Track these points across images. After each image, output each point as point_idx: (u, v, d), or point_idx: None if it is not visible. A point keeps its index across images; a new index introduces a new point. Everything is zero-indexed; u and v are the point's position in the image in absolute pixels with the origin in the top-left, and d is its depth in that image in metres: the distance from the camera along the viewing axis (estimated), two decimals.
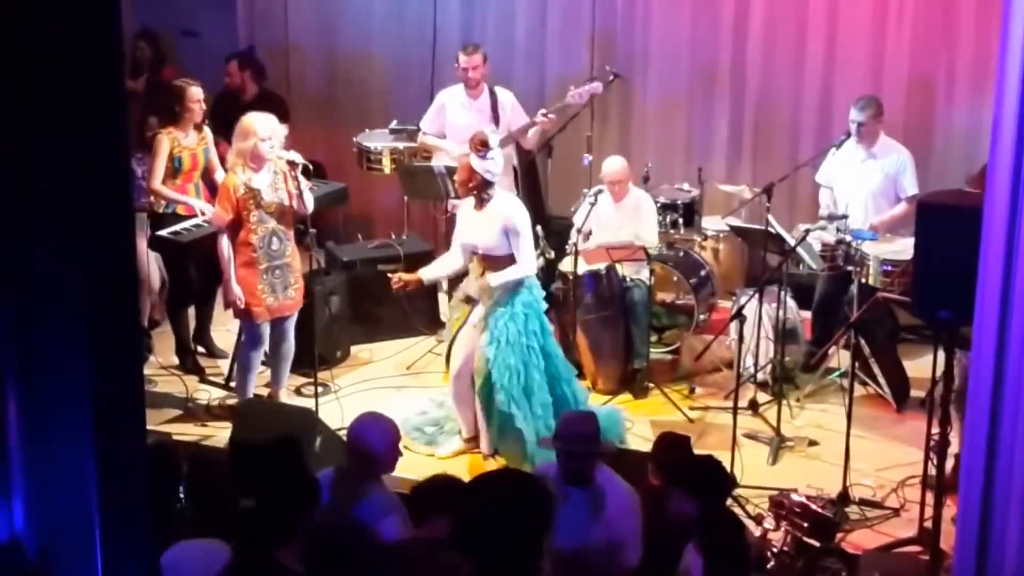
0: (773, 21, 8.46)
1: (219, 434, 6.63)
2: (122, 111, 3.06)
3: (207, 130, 7.28)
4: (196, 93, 7.17)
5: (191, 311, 7.61)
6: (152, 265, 7.63)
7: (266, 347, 6.82)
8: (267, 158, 6.47)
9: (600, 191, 7.30)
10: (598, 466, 4.79)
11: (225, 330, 7.66)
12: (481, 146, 6.13)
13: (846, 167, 7.27)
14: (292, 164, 6.49)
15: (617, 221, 7.37)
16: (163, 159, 7.09)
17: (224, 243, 6.49)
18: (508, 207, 6.23)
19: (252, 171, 6.47)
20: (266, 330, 6.67)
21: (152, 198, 7.22)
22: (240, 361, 6.85)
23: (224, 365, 7.47)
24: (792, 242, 6.73)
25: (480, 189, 6.16)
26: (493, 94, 7.83)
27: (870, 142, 7.19)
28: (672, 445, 5.08)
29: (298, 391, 7.11)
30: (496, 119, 7.78)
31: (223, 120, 7.32)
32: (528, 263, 6.25)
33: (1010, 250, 4.02)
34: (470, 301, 6.38)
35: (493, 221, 6.18)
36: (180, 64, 9.27)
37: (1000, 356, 4.09)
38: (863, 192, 7.20)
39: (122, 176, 3.12)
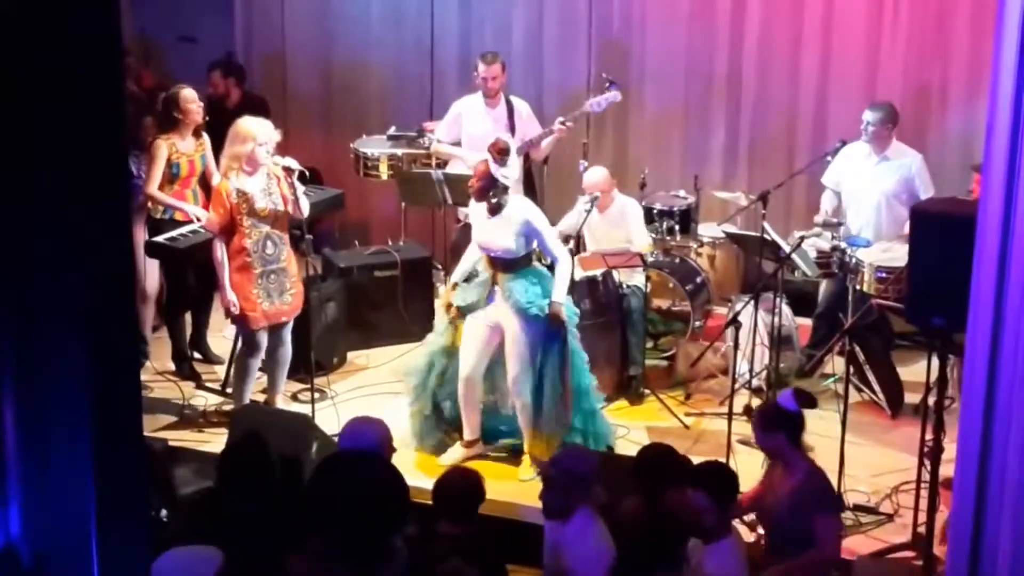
0: (769, 30, 8.49)
1: (215, 440, 6.63)
2: (122, 112, 3.08)
3: (205, 136, 7.29)
4: (190, 94, 7.19)
5: (188, 317, 7.62)
6: (149, 270, 7.64)
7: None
8: (263, 163, 6.49)
9: (596, 198, 7.31)
10: (582, 510, 4.63)
11: (221, 336, 7.67)
12: (501, 153, 6.22)
13: (859, 170, 7.32)
14: (288, 170, 6.50)
15: (604, 230, 7.39)
16: (160, 165, 7.10)
17: (219, 248, 6.50)
18: (522, 209, 6.31)
19: (246, 175, 6.48)
20: (263, 336, 6.67)
21: (149, 203, 7.24)
22: (237, 367, 6.86)
23: (220, 371, 7.48)
24: (788, 249, 6.75)
25: (494, 194, 6.21)
26: (509, 103, 7.86)
27: (883, 145, 7.24)
28: (659, 459, 5.04)
29: (294, 397, 7.12)
30: (512, 128, 7.80)
31: (209, 128, 7.35)
32: (564, 254, 6.37)
33: (1003, 257, 4.04)
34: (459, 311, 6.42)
35: (509, 226, 6.25)
36: (171, 70, 9.28)
37: (993, 362, 4.10)
38: (876, 194, 7.26)
39: (122, 177, 3.14)
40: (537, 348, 6.30)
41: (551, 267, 6.50)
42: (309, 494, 3.99)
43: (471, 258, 6.55)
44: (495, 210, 6.26)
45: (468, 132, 7.90)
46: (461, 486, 4.77)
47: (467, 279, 6.55)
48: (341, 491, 3.70)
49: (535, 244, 6.35)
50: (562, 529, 4.61)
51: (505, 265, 6.31)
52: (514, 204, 6.32)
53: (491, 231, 6.30)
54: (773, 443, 5.08)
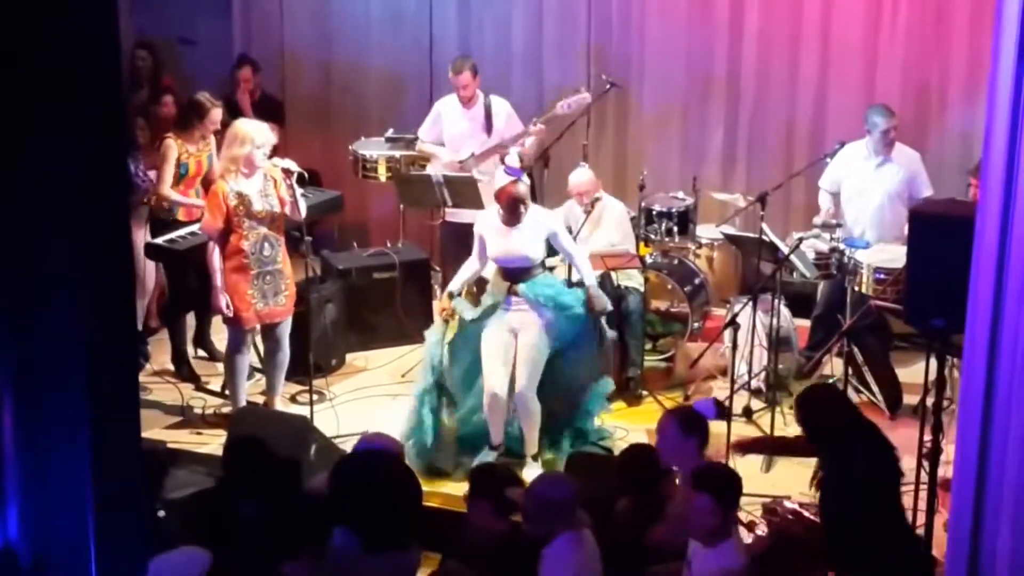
0: (767, 31, 8.49)
1: (214, 442, 6.63)
2: (122, 112, 3.09)
3: (211, 137, 7.33)
4: (218, 115, 7.25)
5: (191, 315, 7.62)
6: (149, 270, 7.65)
7: (254, 352, 6.82)
8: (259, 165, 6.49)
9: (598, 198, 7.31)
10: (564, 535, 4.46)
11: (221, 338, 7.66)
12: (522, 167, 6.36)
13: (860, 171, 7.33)
14: (288, 172, 6.51)
15: (588, 231, 7.38)
16: (172, 164, 7.17)
17: (214, 251, 6.50)
18: (545, 217, 6.38)
19: (244, 177, 6.48)
20: (253, 336, 6.67)
21: (153, 202, 7.27)
22: (227, 366, 6.86)
23: (220, 368, 7.46)
24: (786, 250, 6.76)
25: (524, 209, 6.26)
26: (488, 104, 7.87)
27: (891, 147, 7.25)
28: (642, 461, 5.05)
29: (293, 399, 7.12)
30: (489, 128, 7.82)
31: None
32: (577, 248, 6.52)
33: (1002, 258, 4.04)
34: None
35: (533, 233, 6.27)
36: (177, 73, 9.28)
37: (991, 364, 4.11)
38: (880, 195, 7.29)
39: (122, 177, 3.14)
40: (547, 354, 6.29)
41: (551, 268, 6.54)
42: (333, 488, 4.09)
43: (471, 267, 6.54)
44: (518, 222, 6.27)
45: (447, 132, 7.95)
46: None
47: (476, 290, 6.56)
48: (364, 484, 3.85)
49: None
50: (546, 550, 4.51)
51: (521, 274, 6.31)
52: (533, 212, 6.33)
53: (510, 242, 6.28)
54: (684, 449, 5.00)
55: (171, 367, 7.57)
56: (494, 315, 6.34)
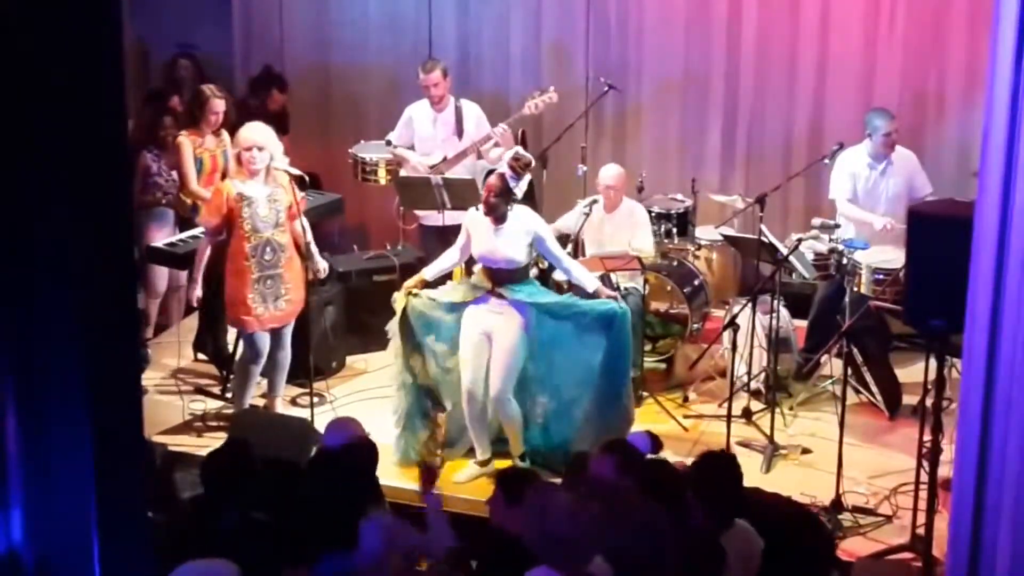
0: (765, 33, 8.50)
1: (215, 444, 6.62)
2: (123, 113, 3.09)
3: (225, 134, 7.35)
4: (217, 105, 7.32)
5: (194, 318, 7.65)
6: (161, 271, 7.65)
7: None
8: (258, 168, 6.49)
9: (595, 201, 7.32)
10: (539, 569, 4.18)
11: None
12: (524, 168, 6.25)
13: (868, 177, 7.33)
14: (288, 176, 6.55)
15: (610, 231, 7.40)
16: (190, 160, 7.26)
17: (206, 246, 6.58)
18: (530, 219, 6.30)
19: (250, 180, 6.50)
20: (262, 339, 6.67)
21: (174, 201, 7.39)
22: (238, 372, 6.87)
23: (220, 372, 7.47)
24: (785, 251, 6.77)
25: (505, 208, 6.22)
26: (458, 108, 7.87)
27: (893, 149, 7.27)
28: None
29: (293, 401, 7.13)
30: (460, 131, 7.83)
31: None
32: (564, 254, 6.50)
33: (1000, 259, 4.06)
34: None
35: (518, 235, 6.24)
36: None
37: (991, 364, 4.12)
38: (887, 200, 7.31)
39: (122, 178, 3.14)
40: (524, 357, 6.28)
41: (542, 278, 6.52)
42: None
43: (450, 258, 6.55)
44: (501, 220, 6.26)
45: (418, 136, 7.94)
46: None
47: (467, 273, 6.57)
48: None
49: (535, 252, 6.37)
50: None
51: (506, 276, 6.29)
52: (519, 213, 6.29)
53: (495, 242, 6.26)
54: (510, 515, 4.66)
55: (172, 369, 7.58)
56: (471, 310, 6.32)
